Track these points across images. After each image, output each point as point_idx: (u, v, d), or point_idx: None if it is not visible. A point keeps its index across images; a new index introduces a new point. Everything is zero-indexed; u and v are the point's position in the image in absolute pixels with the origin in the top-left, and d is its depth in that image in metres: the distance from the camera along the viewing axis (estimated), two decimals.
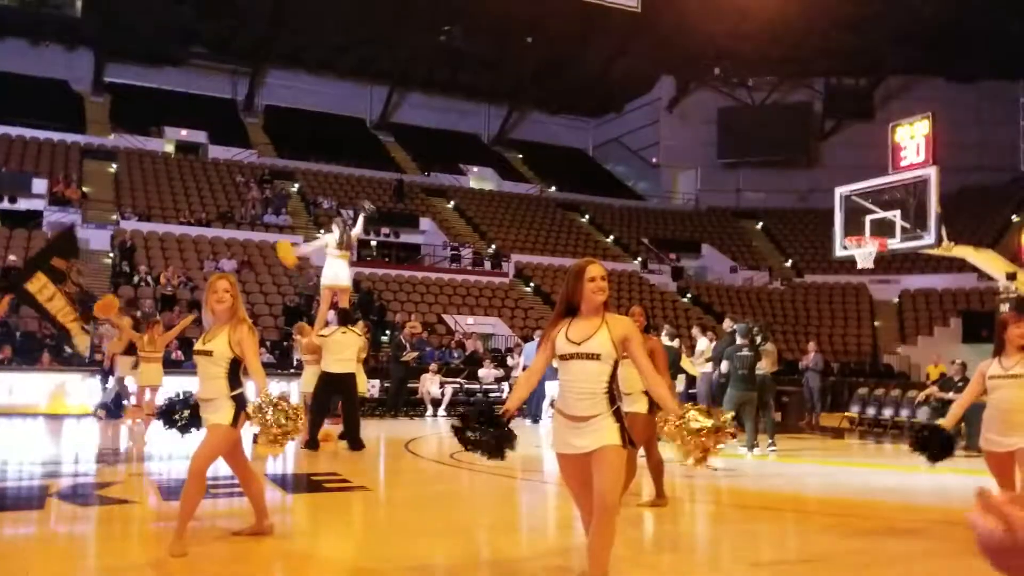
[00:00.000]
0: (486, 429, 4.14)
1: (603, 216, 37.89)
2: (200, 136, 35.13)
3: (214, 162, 33.31)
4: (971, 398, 5.98)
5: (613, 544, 4.04)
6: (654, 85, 42.97)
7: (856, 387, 19.44)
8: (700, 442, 4.18)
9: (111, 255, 24.87)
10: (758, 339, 12.92)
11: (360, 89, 41.20)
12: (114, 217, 26.90)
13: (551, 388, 16.08)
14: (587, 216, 37.73)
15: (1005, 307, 12.23)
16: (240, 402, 5.25)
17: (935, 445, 5.88)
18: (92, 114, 34.97)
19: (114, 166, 30.53)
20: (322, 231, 28.21)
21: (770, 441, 12.50)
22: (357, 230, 12.80)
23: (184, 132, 35.10)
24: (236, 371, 5.31)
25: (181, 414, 5.39)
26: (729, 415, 4.38)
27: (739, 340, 11.97)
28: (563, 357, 4.14)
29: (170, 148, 34.13)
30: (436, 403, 18.95)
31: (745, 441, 11.76)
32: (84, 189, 28.10)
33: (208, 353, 5.27)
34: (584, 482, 4.11)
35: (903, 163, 13.25)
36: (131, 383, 13.86)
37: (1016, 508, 0.97)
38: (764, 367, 12.68)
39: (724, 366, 12.13)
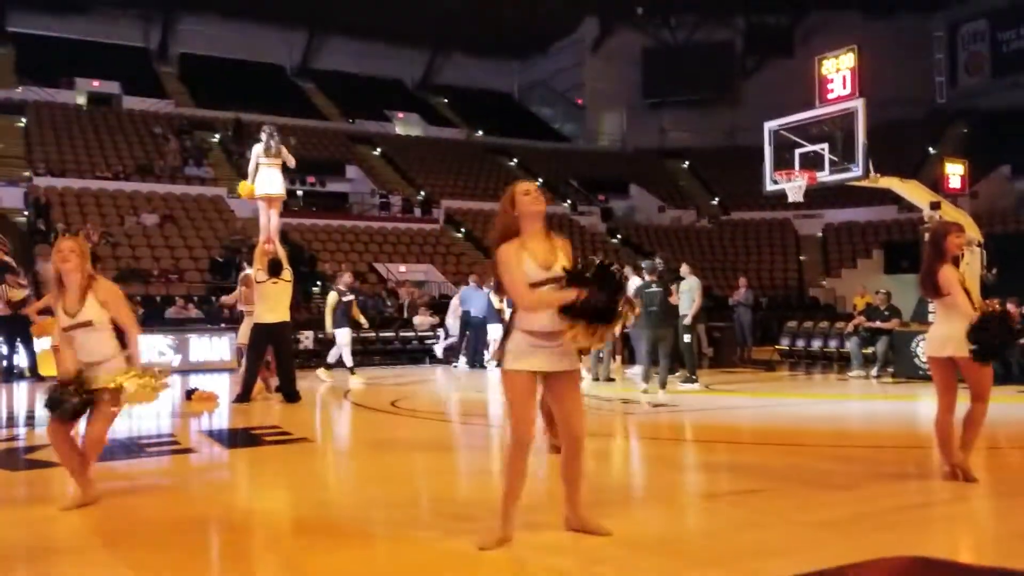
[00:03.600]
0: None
1: (531, 159, 37.73)
2: (113, 87, 33.80)
3: (129, 113, 32.11)
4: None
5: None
6: (578, 26, 42.64)
7: (785, 321, 19.86)
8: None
9: (25, 213, 23.91)
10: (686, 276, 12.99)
11: (278, 34, 40.00)
12: (26, 174, 25.79)
13: (495, 332, 15.99)
14: (515, 160, 37.54)
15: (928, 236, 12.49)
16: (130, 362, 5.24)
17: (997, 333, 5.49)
18: None
19: (23, 120, 29.21)
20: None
21: (692, 376, 12.69)
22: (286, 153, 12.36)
23: (96, 83, 33.70)
24: (118, 329, 5.25)
25: (70, 399, 5.12)
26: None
27: (647, 277, 11.69)
28: (534, 284, 4.11)
29: (82, 100, 32.75)
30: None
31: (660, 377, 11.72)
32: None
33: (88, 324, 5.14)
34: (534, 399, 4.23)
35: (830, 96, 13.37)
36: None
37: None
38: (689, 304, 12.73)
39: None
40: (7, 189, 24.74)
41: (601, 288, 3.96)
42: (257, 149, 11.93)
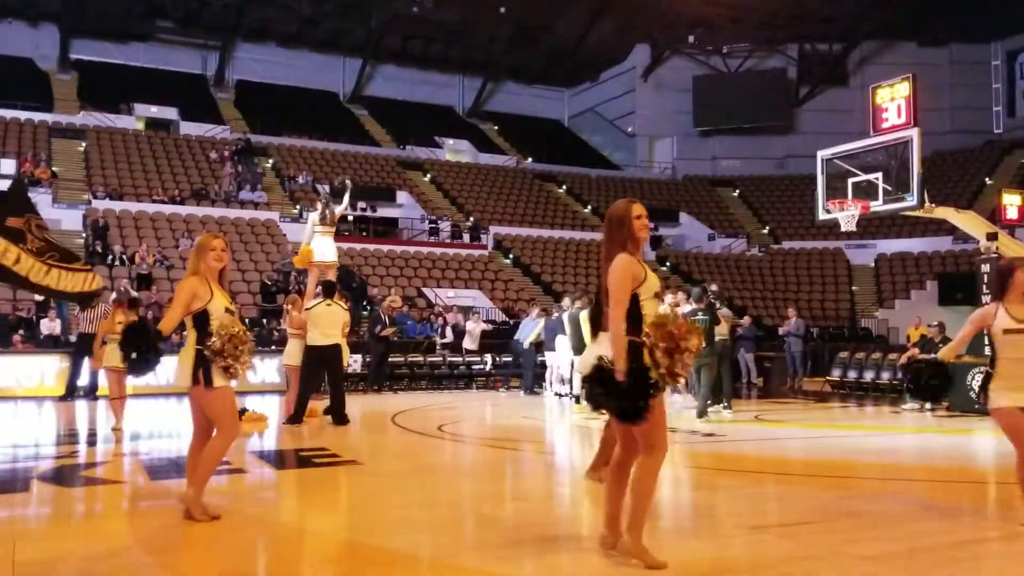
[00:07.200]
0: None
1: (580, 186, 37.81)
2: (171, 112, 34.68)
3: (186, 139, 32.85)
4: (967, 339, 5.73)
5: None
6: (629, 54, 42.78)
7: (836, 351, 19.59)
8: None
9: (84, 235, 24.51)
10: (717, 303, 12.89)
11: (332, 62, 40.82)
12: (85, 196, 26.48)
13: (553, 359, 16.00)
14: (564, 187, 37.63)
15: (985, 267, 12.28)
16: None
17: (935, 381, 5.69)
18: (59, 92, 34.39)
19: (83, 144, 30.03)
20: (299, 206, 28.03)
21: (724, 404, 12.46)
22: (342, 207, 12.98)
23: (154, 109, 34.64)
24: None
25: (139, 345, 5.02)
26: None
27: (693, 304, 11.84)
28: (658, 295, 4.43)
29: (140, 125, 33.65)
30: None
31: (698, 406, 11.72)
32: (54, 168, 27.63)
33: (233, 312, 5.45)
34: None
35: (884, 125, 13.24)
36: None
37: None
38: (723, 332, 12.51)
39: None
40: (67, 211, 25.42)
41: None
42: (313, 217, 12.44)
